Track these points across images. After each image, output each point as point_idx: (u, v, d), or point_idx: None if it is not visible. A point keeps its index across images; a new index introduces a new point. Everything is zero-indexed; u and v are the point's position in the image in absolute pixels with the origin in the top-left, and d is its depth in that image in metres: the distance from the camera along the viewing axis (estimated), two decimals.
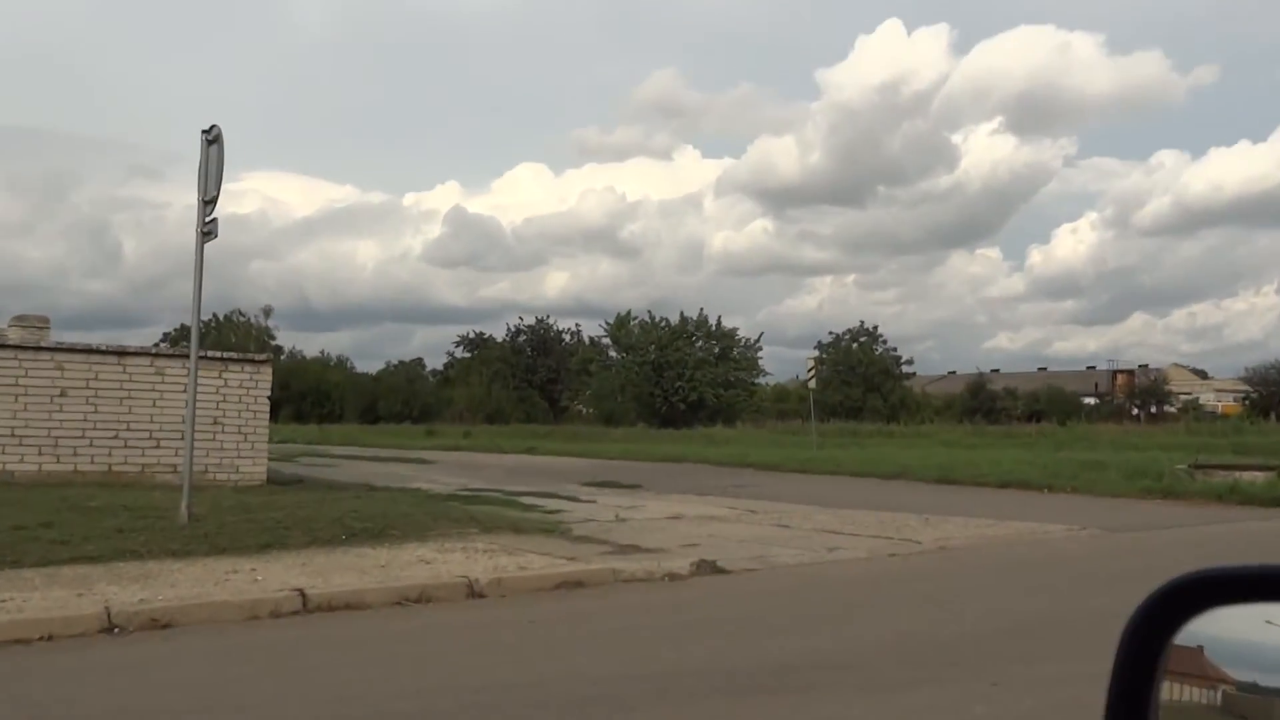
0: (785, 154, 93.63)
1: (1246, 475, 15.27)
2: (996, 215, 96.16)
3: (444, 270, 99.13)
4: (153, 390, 12.47)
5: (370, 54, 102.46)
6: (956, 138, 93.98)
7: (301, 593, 6.07)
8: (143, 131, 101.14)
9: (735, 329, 52.28)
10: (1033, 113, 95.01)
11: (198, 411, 9.60)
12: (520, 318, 64.15)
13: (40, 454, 11.92)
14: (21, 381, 11.96)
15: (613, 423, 47.43)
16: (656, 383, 49.50)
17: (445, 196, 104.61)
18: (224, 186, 8.92)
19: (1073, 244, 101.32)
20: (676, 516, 11.22)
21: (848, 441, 30.72)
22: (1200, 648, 0.94)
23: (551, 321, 64.01)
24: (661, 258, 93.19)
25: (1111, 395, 65.93)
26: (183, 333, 55.36)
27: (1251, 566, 0.93)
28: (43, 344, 12.38)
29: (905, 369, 57.81)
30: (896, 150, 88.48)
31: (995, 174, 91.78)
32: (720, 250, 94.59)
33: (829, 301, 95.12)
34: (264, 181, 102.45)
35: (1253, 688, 0.91)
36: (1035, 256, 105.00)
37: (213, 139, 8.96)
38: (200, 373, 9.99)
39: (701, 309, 53.00)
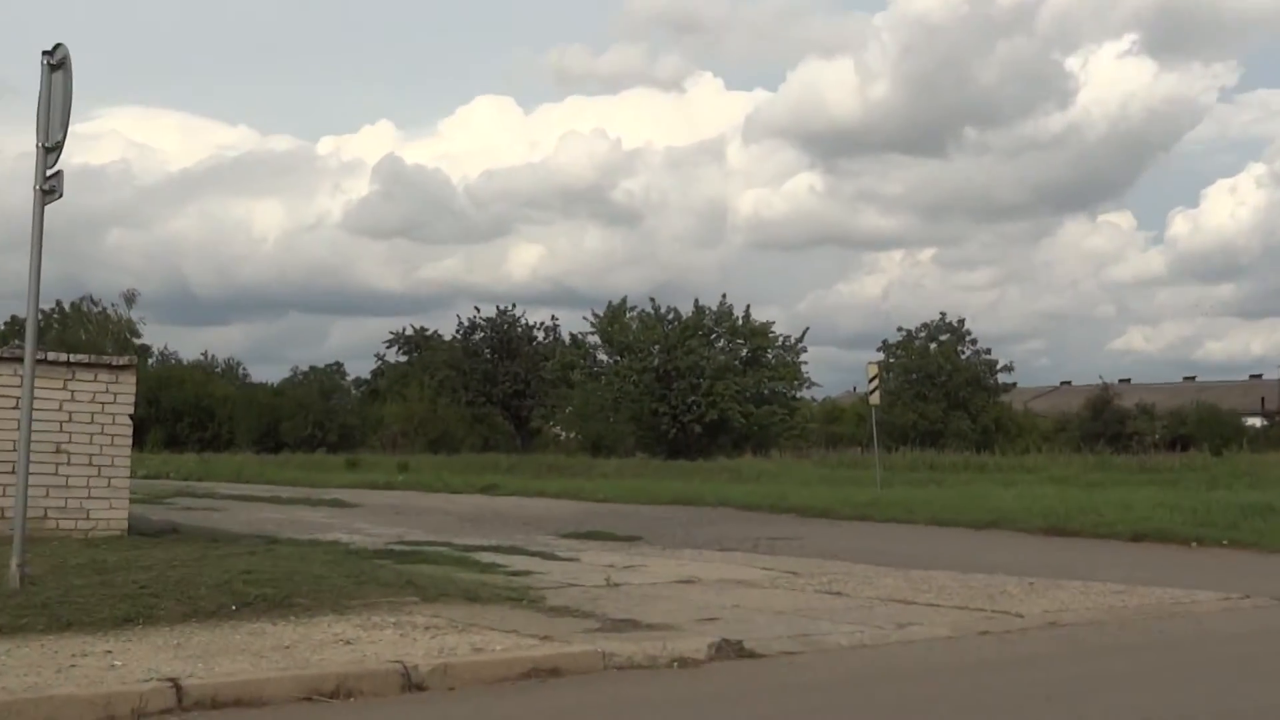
0: (839, 84, 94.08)
1: None
2: (1127, 168, 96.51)
3: (372, 243, 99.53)
4: None
5: None
6: (1072, 63, 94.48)
7: (175, 684, 6.08)
8: None
9: (770, 324, 52.51)
10: (1177, 29, 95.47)
11: (34, 435, 9.58)
12: (476, 308, 64.04)
13: None
14: None
15: (603, 452, 47.60)
16: (662, 397, 49.58)
17: (375, 142, 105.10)
18: (72, 128, 8.92)
19: (1230, 207, 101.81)
20: (689, 580, 11.28)
21: (924, 477, 30.76)
22: None
23: (519, 314, 64.12)
24: (669, 227, 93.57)
25: None
26: (14, 327, 55.39)
27: None
28: None
29: (1003, 379, 57.98)
30: (991, 80, 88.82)
31: (1125, 112, 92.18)
32: (750, 216, 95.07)
33: (898, 286, 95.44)
34: (127, 121, 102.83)
35: None
36: (1180, 224, 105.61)
37: (57, 63, 8.97)
38: (38, 382, 9.97)
39: (724, 297, 53.12)
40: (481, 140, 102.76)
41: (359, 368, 72.50)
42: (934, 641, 8.34)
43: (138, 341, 59.72)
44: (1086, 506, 18.52)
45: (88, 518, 12.74)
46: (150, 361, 59.62)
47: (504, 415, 61.70)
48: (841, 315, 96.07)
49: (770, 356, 51.71)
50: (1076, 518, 17.39)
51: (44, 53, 9.07)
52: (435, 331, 68.90)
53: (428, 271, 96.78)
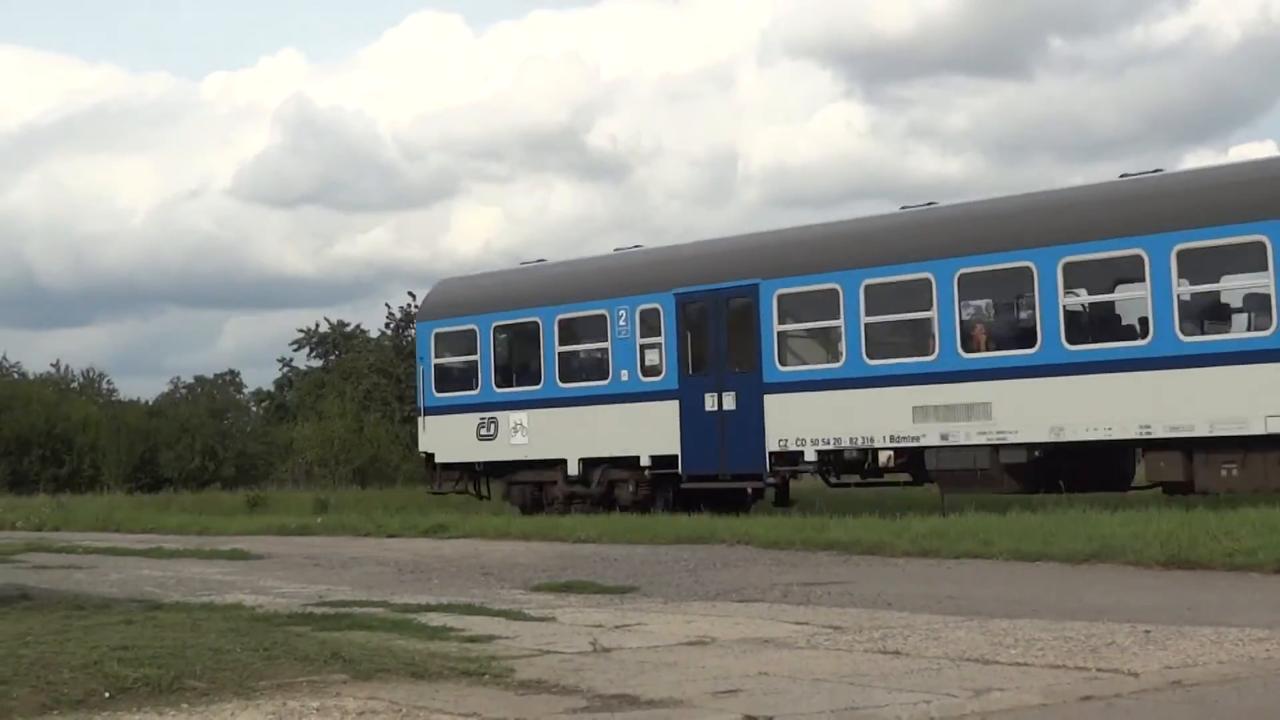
0: None
1: None
2: (1267, 85, 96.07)
3: (274, 212, 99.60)
4: None
5: None
6: None
7: None
8: None
9: None
10: None
11: None
12: (411, 294, 63.90)
13: None
14: None
15: None
16: None
17: (276, 78, 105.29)
18: None
19: None
20: (701, 641, 11.27)
21: (1004, 497, 30.42)
22: None
23: None
24: (664, 180, 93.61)
25: None
26: None
27: None
28: None
29: None
30: None
31: (1265, 15, 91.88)
32: (769, 163, 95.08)
33: None
34: None
35: None
36: None
37: None
38: None
39: None
40: (416, 73, 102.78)
41: (260, 377, 72.94)
42: (1022, 711, 8.30)
43: None
44: (1217, 529, 18.30)
45: None
46: None
47: None
48: None
49: None
50: (1204, 544, 17.31)
51: None
52: (358, 326, 68.94)
53: (347, 248, 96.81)
